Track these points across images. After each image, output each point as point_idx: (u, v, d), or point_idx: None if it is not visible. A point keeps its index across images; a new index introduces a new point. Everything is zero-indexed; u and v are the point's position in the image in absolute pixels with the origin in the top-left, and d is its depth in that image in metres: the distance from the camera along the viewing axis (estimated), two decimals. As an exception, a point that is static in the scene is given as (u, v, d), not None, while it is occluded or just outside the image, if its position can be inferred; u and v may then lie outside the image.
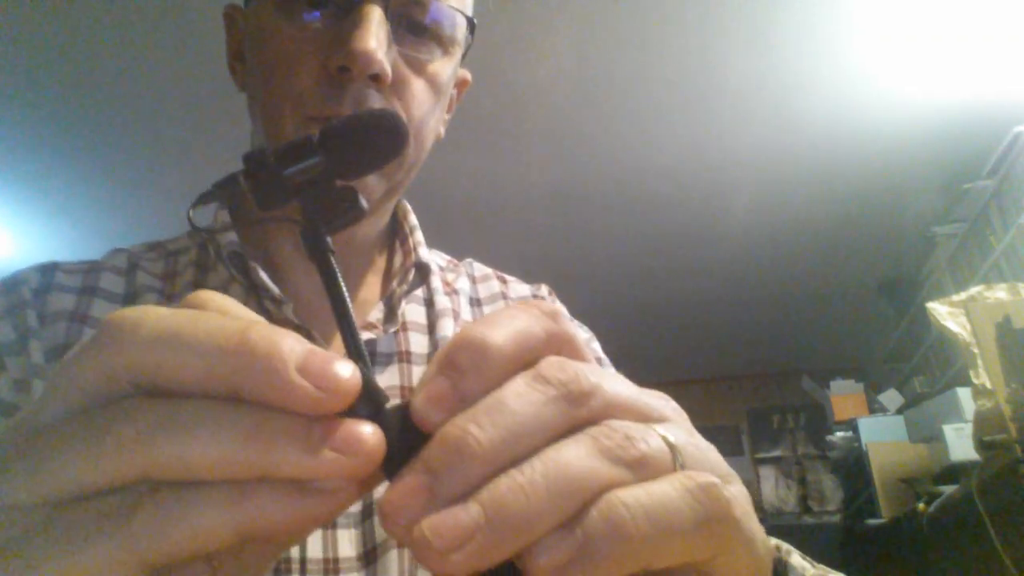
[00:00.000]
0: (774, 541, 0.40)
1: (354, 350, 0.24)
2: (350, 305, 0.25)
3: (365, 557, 0.48)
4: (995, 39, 2.43)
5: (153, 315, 0.22)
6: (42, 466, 0.21)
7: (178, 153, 2.88)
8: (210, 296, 0.24)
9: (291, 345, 0.21)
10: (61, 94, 2.55)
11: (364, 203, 0.27)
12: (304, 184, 0.27)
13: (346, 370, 0.21)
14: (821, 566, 0.40)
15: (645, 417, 0.24)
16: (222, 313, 0.24)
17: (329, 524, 0.48)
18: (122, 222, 3.27)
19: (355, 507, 0.49)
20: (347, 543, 0.48)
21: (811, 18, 2.34)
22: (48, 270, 0.56)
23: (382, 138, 0.28)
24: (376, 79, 0.49)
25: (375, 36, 0.48)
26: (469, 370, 0.22)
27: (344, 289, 0.25)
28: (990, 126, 2.76)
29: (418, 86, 0.53)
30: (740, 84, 2.63)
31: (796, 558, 0.39)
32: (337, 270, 0.25)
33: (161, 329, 0.21)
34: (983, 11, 2.31)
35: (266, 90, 0.52)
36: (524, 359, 0.23)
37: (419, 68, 0.53)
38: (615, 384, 0.24)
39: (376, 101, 0.50)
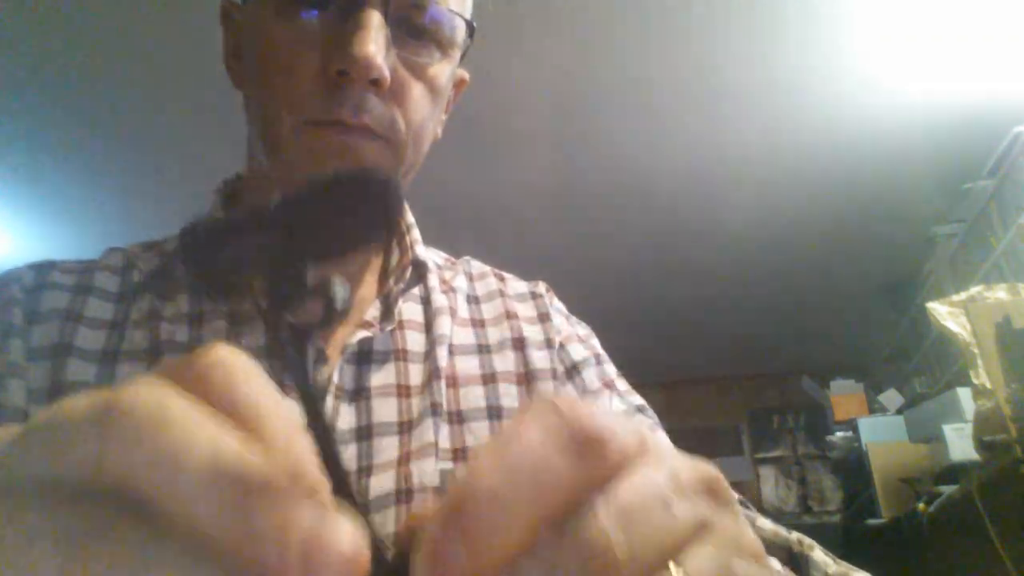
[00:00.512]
0: (795, 535, 0.40)
1: (343, 490, 0.21)
2: (338, 447, 0.22)
3: None
4: (995, 39, 2.43)
5: (164, 422, 0.18)
6: None
7: (178, 153, 2.88)
8: (231, 366, 0.21)
9: (303, 516, 0.18)
10: (61, 94, 2.55)
11: (341, 298, 0.21)
12: (257, 271, 0.20)
13: (354, 559, 0.18)
14: (844, 563, 0.39)
15: (680, 542, 0.21)
16: (243, 383, 0.20)
17: None
18: (121, 222, 3.27)
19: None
20: None
21: (811, 18, 2.34)
22: (43, 268, 0.56)
23: (365, 210, 0.21)
24: (376, 84, 0.49)
25: (375, 41, 0.48)
26: (477, 537, 0.19)
27: (327, 420, 0.20)
28: (990, 126, 2.76)
29: (417, 90, 0.53)
30: (740, 84, 2.63)
31: (818, 553, 0.39)
32: (318, 398, 0.21)
33: (171, 447, 0.18)
34: (983, 11, 2.31)
35: (263, 92, 0.52)
36: (546, 514, 0.20)
37: (418, 72, 0.53)
38: (650, 522, 0.21)
39: (375, 105, 0.50)
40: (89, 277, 0.56)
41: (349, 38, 0.48)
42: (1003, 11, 2.31)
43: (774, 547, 0.40)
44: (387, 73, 0.49)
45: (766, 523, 0.42)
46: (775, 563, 0.35)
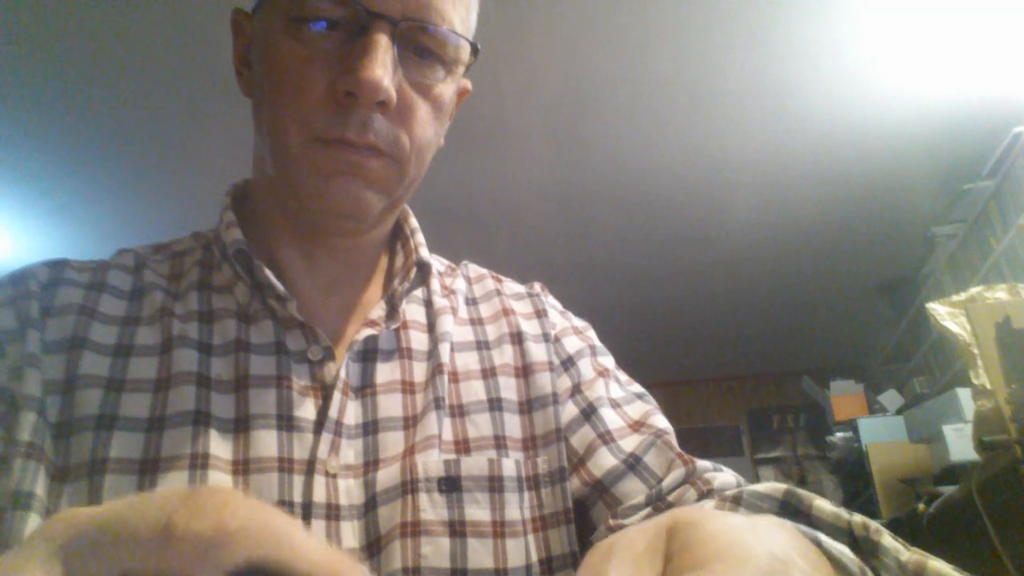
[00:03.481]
0: (859, 518, 0.39)
1: None
2: None
3: (368, 548, 0.49)
4: (995, 39, 2.43)
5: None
6: None
7: (178, 153, 2.88)
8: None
9: None
10: (61, 94, 2.55)
11: None
12: None
13: None
14: (917, 549, 0.38)
15: None
16: None
17: (333, 516, 0.49)
18: (122, 222, 3.27)
19: (358, 499, 0.51)
20: (350, 535, 0.49)
21: (811, 18, 2.34)
22: (58, 266, 0.57)
23: None
24: (382, 105, 0.51)
25: (382, 64, 0.49)
26: None
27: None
28: (990, 126, 2.76)
29: (423, 109, 0.54)
30: (739, 84, 2.63)
31: (888, 539, 0.38)
32: None
33: None
34: (983, 11, 2.31)
35: (272, 105, 0.53)
36: None
37: (424, 91, 0.54)
38: None
39: (381, 125, 0.51)
40: (102, 275, 0.57)
41: (357, 61, 0.49)
42: (1003, 11, 2.31)
43: (835, 531, 0.39)
44: (393, 95, 0.50)
45: (825, 505, 0.40)
46: (845, 549, 0.34)
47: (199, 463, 0.48)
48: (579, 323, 0.68)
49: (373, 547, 0.49)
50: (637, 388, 0.65)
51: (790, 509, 0.42)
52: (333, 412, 0.52)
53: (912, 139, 2.92)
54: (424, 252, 0.63)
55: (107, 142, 2.81)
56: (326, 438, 0.51)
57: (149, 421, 0.50)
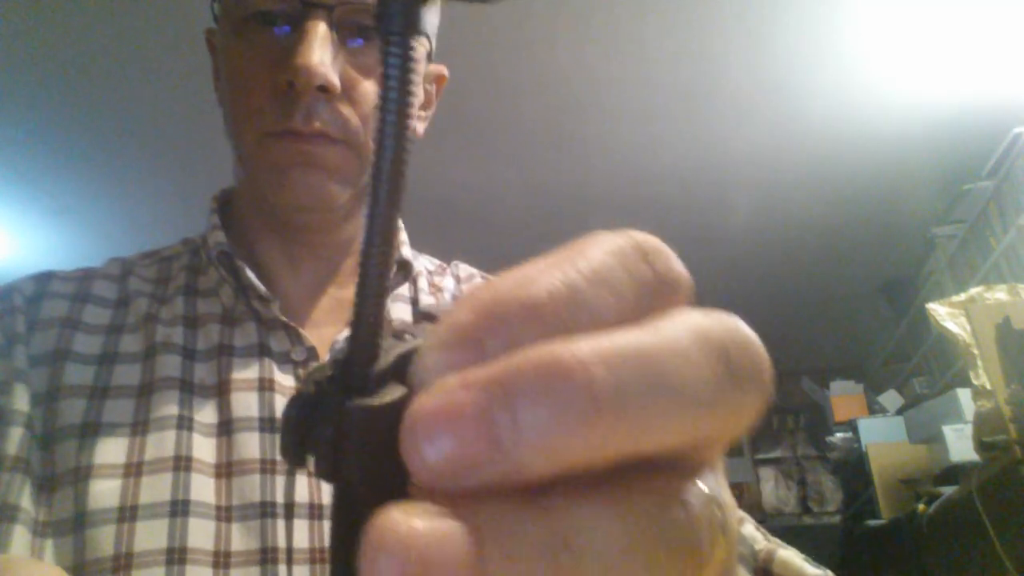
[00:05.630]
0: None
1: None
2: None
3: None
4: (995, 39, 2.43)
5: None
6: None
7: (178, 154, 2.88)
8: None
9: None
10: (61, 95, 2.55)
11: None
12: None
13: None
14: (776, 540, 0.39)
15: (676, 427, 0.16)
16: None
17: (316, 515, 0.50)
18: (121, 223, 3.27)
19: None
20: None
21: (810, 18, 2.34)
22: (43, 278, 0.58)
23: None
24: (324, 90, 0.51)
25: (318, 50, 0.50)
26: (498, 338, 0.15)
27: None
28: (990, 126, 2.76)
29: (368, 87, 0.54)
30: (739, 85, 2.63)
31: (749, 527, 0.39)
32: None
33: None
34: (983, 11, 2.31)
35: (230, 109, 0.55)
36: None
37: (369, 71, 0.55)
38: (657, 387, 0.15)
39: (327, 111, 0.52)
40: (87, 285, 0.58)
41: (294, 50, 0.50)
42: (1002, 11, 2.31)
43: None
44: (333, 79, 0.51)
45: None
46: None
47: (182, 466, 0.48)
48: None
49: None
50: None
51: None
52: None
53: (912, 139, 2.92)
54: (406, 250, 0.63)
55: (107, 142, 2.81)
56: None
57: (132, 426, 0.50)
